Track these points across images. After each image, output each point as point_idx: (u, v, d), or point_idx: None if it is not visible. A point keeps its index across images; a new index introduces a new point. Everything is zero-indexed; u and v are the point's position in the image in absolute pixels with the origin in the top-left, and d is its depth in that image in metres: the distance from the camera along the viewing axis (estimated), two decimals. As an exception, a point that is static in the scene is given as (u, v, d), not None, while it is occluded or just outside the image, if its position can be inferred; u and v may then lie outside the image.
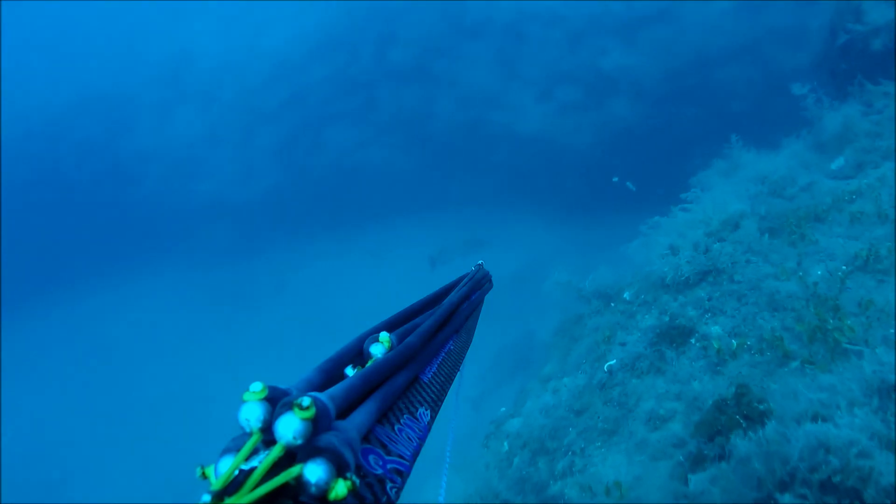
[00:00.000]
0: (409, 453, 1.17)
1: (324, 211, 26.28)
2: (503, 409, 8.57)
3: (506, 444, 7.02)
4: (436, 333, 1.60)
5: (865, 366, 4.12)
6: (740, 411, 5.08)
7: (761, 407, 5.00)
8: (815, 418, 3.83)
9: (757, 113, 15.70)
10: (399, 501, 1.07)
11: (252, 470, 0.80)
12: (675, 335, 6.39)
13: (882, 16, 9.52)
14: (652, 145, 18.59)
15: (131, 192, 28.95)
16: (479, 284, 2.19)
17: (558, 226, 20.49)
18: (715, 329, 6.25)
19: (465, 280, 2.11)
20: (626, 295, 7.72)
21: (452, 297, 1.85)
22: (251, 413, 0.90)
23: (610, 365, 6.65)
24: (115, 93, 29.51)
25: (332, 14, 25.74)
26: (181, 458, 18.05)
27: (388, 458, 1.10)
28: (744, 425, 4.96)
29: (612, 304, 7.81)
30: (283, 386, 1.00)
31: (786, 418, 4.07)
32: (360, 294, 22.59)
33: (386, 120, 24.97)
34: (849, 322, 5.65)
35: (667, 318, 6.69)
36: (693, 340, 6.26)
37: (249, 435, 0.90)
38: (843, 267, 6.14)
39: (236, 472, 0.81)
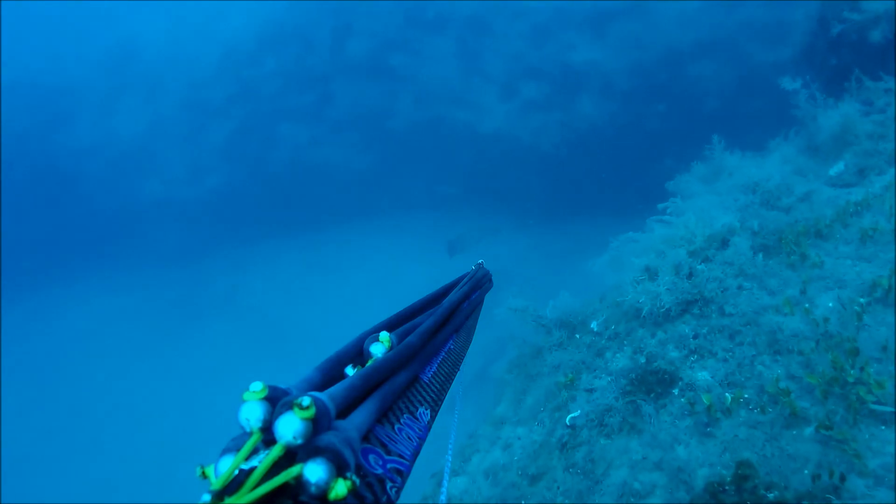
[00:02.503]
0: (409, 453, 1.15)
1: (276, 211, 24.96)
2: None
3: (445, 513, 5.71)
4: (436, 333, 1.57)
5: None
6: (742, 500, 3.83)
7: (771, 496, 3.75)
8: None
9: (734, 111, 14.69)
10: (399, 501, 1.04)
11: (252, 470, 0.80)
12: (653, 383, 5.12)
13: (881, 3, 8.41)
14: (621, 145, 17.50)
15: (70, 189, 27.07)
16: (479, 284, 2.17)
17: (522, 231, 19.37)
18: (702, 375, 5.00)
19: (466, 279, 2.08)
20: (594, 325, 6.45)
21: (453, 296, 1.82)
22: (251, 413, 0.89)
23: (573, 417, 5.37)
24: (54, 83, 27.52)
25: (285, 3, 24.17)
26: (120, 470, 16.68)
27: (388, 457, 1.08)
28: (748, 521, 3.71)
29: (577, 336, 6.52)
30: (282, 385, 0.98)
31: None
32: (316, 298, 21.46)
33: (342, 116, 23.64)
34: (872, 371, 4.45)
35: (643, 360, 5.42)
36: (676, 391, 4.99)
37: (249, 435, 0.89)
38: (861, 299, 4.94)
39: (236, 472, 0.80)
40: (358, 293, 20.58)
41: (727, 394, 4.73)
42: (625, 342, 5.86)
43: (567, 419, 5.38)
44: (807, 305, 5.13)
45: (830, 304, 5.08)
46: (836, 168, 7.22)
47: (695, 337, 5.32)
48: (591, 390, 5.48)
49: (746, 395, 4.70)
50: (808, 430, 4.23)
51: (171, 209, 26.41)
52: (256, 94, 24.77)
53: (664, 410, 4.91)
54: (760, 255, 5.89)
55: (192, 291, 24.35)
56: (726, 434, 4.54)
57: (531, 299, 6.89)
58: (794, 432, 4.38)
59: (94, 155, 27.05)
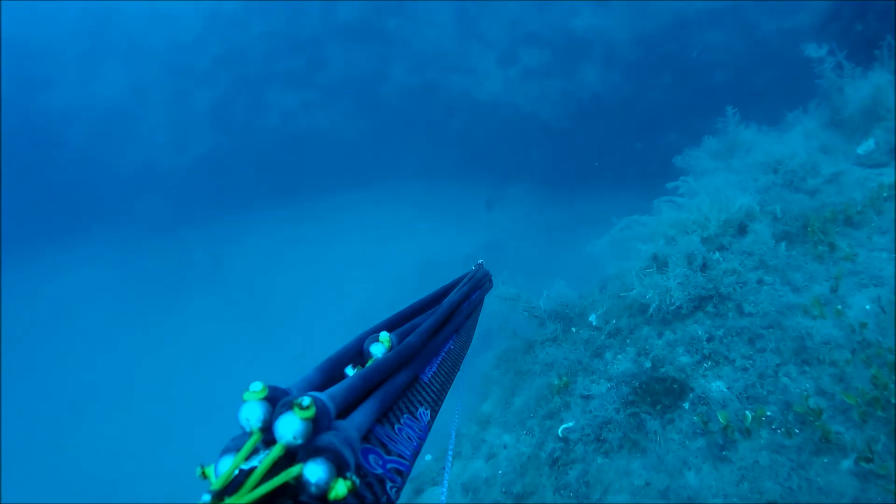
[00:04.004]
0: (409, 453, 1.15)
1: (265, 180, 24.14)
2: (428, 456, 6.63)
3: (420, 531, 5.07)
4: (436, 333, 1.56)
5: None
6: (768, 549, 3.17)
7: (804, 548, 3.09)
8: None
9: (745, 83, 13.84)
10: (399, 501, 1.02)
11: (252, 470, 0.79)
12: (659, 392, 4.44)
13: (917, -39, 7.58)
14: (625, 116, 16.67)
15: (50, 157, 26.14)
16: (479, 284, 2.15)
17: (519, 203, 18.64)
18: (717, 386, 4.31)
19: (466, 279, 2.07)
20: (593, 318, 5.75)
21: (453, 296, 1.80)
22: (251, 413, 0.88)
23: (566, 429, 4.70)
24: (31, 45, 26.40)
25: (274, -39, 23.05)
26: (97, 458, 16.18)
27: (388, 457, 1.07)
28: (776, 579, 3.06)
29: (574, 330, 5.83)
30: (282, 385, 0.97)
31: None
32: (307, 271, 20.83)
33: (333, 82, 22.70)
34: (921, 390, 3.77)
35: (648, 364, 4.73)
36: (686, 404, 4.31)
37: (249, 435, 0.88)
38: (905, 301, 4.24)
39: (236, 472, 0.79)
40: (348, 265, 19.97)
41: (747, 411, 4.05)
42: (627, 341, 5.17)
43: (559, 430, 4.72)
44: (839, 306, 4.43)
45: (867, 307, 4.38)
46: (866, 146, 6.47)
47: (709, 340, 4.62)
48: (587, 397, 4.80)
49: (769, 413, 4.02)
50: (847, 463, 3.56)
51: (156, 177, 25.57)
52: (243, 57, 23.77)
53: (672, 427, 4.23)
54: (783, 245, 5.17)
55: (176, 262, 23.66)
56: (745, 459, 3.87)
57: (523, 287, 6.18)
58: (826, 460, 3.71)
59: (74, 120, 26.07)
